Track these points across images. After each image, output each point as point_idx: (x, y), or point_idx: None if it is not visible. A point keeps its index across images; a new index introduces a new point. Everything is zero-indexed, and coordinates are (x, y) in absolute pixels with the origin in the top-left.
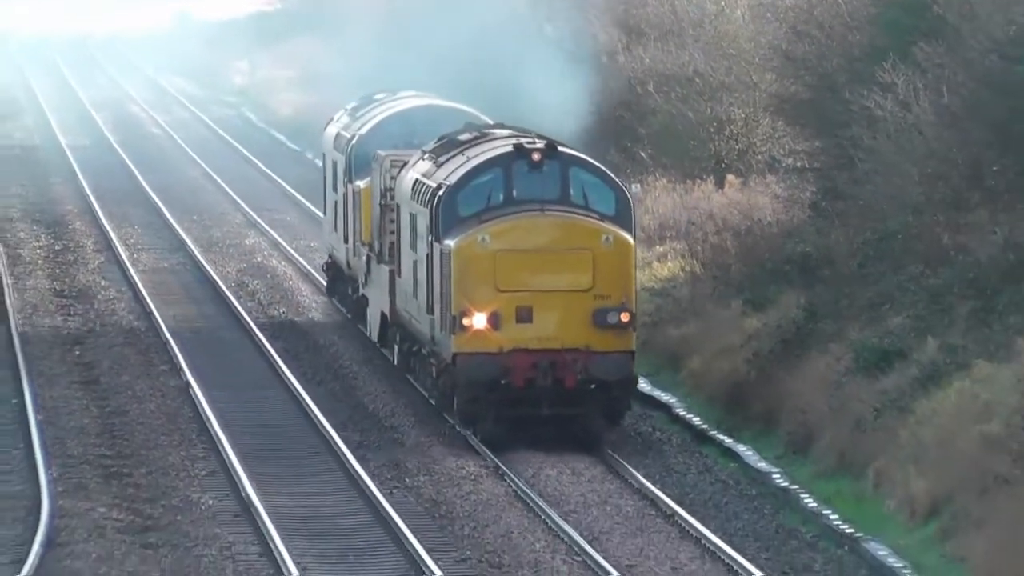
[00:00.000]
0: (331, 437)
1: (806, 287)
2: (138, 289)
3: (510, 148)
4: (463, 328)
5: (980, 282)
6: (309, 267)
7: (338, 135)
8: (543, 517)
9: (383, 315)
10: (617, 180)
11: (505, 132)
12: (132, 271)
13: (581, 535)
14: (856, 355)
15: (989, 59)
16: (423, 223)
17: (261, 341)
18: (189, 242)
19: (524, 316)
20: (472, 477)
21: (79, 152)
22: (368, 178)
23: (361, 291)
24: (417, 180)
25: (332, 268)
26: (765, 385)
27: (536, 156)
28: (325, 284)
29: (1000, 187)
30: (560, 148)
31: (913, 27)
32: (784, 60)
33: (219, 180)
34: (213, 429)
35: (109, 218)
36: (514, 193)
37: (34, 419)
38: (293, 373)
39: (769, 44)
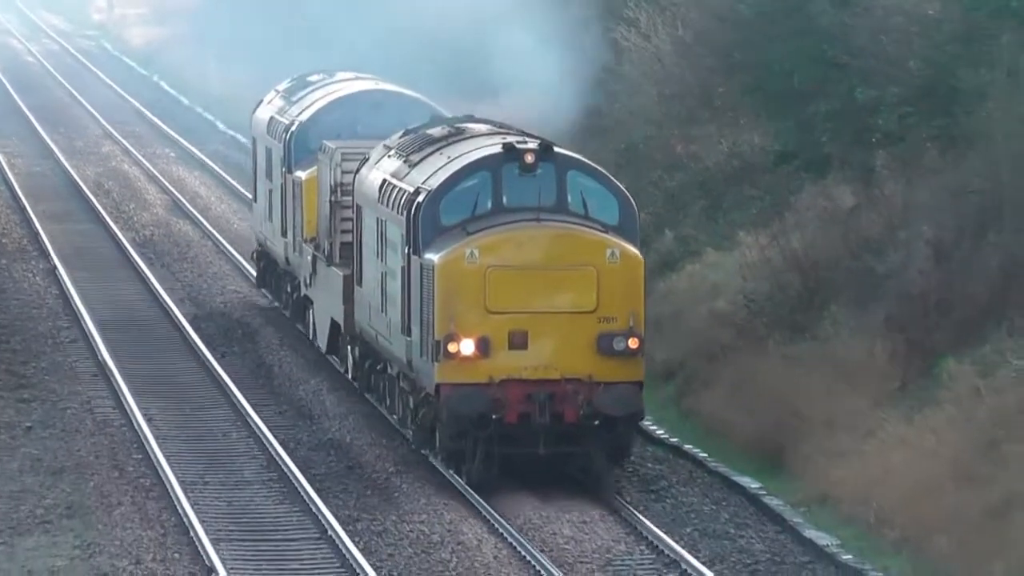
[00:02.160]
0: (169, 307)
1: None
2: (14, 188)
3: (498, 148)
4: (448, 355)
5: (708, 184)
6: (156, 171)
7: (272, 120)
8: None
9: (334, 323)
10: (620, 185)
11: (484, 127)
12: (9, 174)
13: None
14: None
15: None
16: (396, 231)
17: (115, 232)
18: (56, 151)
19: (518, 342)
20: (456, 529)
21: None
22: (311, 169)
23: (304, 291)
24: (386, 181)
25: (263, 258)
26: None
27: (529, 158)
28: (255, 274)
29: (725, 106)
30: (556, 149)
31: None
32: None
33: (81, 99)
34: (75, 304)
35: None
36: (504, 200)
37: None
38: (142, 259)
39: None
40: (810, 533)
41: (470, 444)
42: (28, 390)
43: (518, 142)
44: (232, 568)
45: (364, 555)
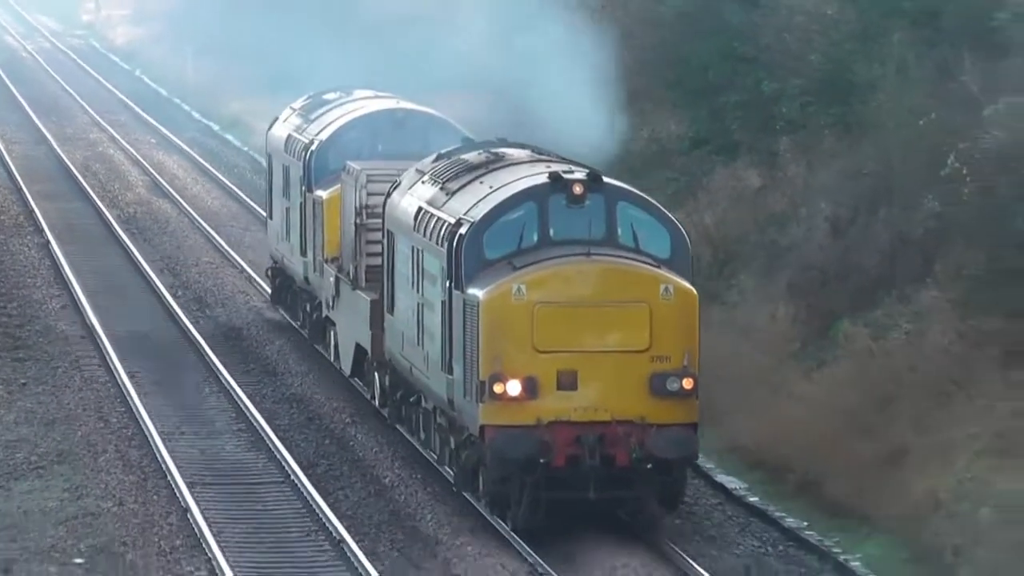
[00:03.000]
0: (150, 276)
1: None
2: (11, 170)
3: (544, 178)
4: (493, 396)
5: (632, 167)
6: (138, 155)
7: (290, 138)
8: None
9: (359, 347)
10: (672, 217)
11: (523, 153)
12: (7, 157)
13: None
14: None
15: None
16: (435, 263)
17: (102, 210)
18: (49, 136)
19: (567, 382)
20: (407, 475)
21: None
22: (332, 188)
23: (326, 312)
24: (422, 209)
25: (279, 275)
26: None
27: (577, 189)
28: (269, 292)
29: (645, 97)
30: (605, 179)
31: None
32: None
33: (72, 91)
34: (65, 273)
35: None
36: (551, 232)
37: None
38: (125, 233)
39: None
40: (721, 478)
41: (516, 488)
42: (23, 350)
43: (564, 171)
44: (205, 508)
45: (322, 495)
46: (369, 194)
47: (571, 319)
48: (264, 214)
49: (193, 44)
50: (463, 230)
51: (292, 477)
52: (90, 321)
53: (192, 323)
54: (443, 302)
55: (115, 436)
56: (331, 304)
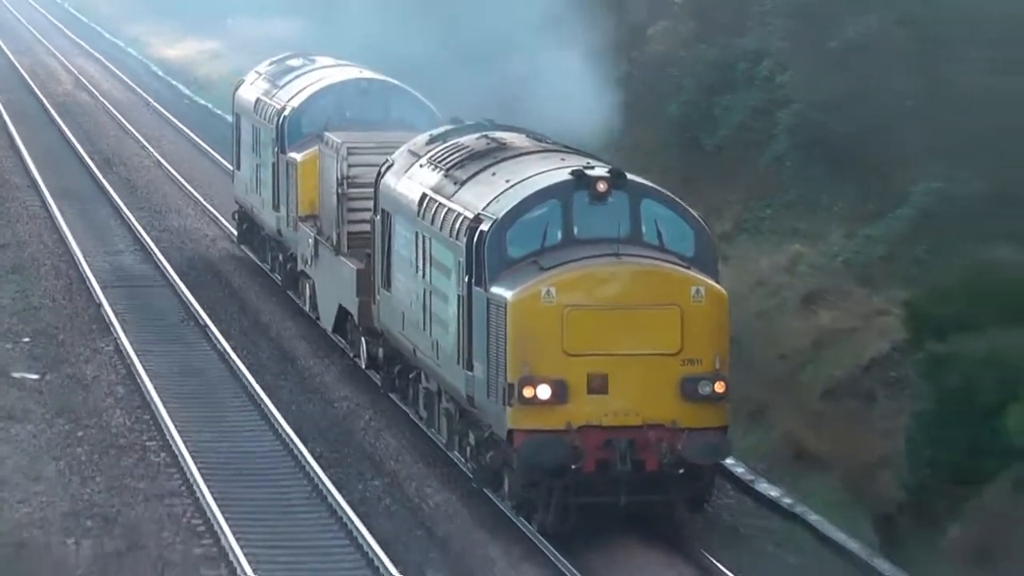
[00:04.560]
0: (75, 145)
1: None
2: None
3: (566, 175)
4: (523, 399)
5: None
6: (67, 63)
7: (259, 101)
8: None
9: (343, 309)
10: (695, 214)
11: (524, 140)
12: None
13: None
14: None
15: None
16: (447, 254)
17: (41, 98)
18: (8, 52)
19: (598, 386)
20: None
21: None
22: (306, 151)
23: (302, 267)
24: (427, 196)
25: (246, 220)
26: None
27: (601, 186)
28: (236, 234)
29: None
30: (629, 176)
31: None
32: None
33: (21, 19)
34: (16, 144)
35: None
36: (575, 231)
37: None
38: (58, 115)
39: None
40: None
41: (544, 492)
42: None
43: (586, 167)
44: (113, 303)
45: (193, 295)
46: (350, 166)
47: (601, 322)
48: (231, 166)
49: None
50: (484, 227)
51: (170, 280)
52: (33, 176)
53: (103, 176)
54: (460, 296)
55: (51, 255)
56: (309, 262)
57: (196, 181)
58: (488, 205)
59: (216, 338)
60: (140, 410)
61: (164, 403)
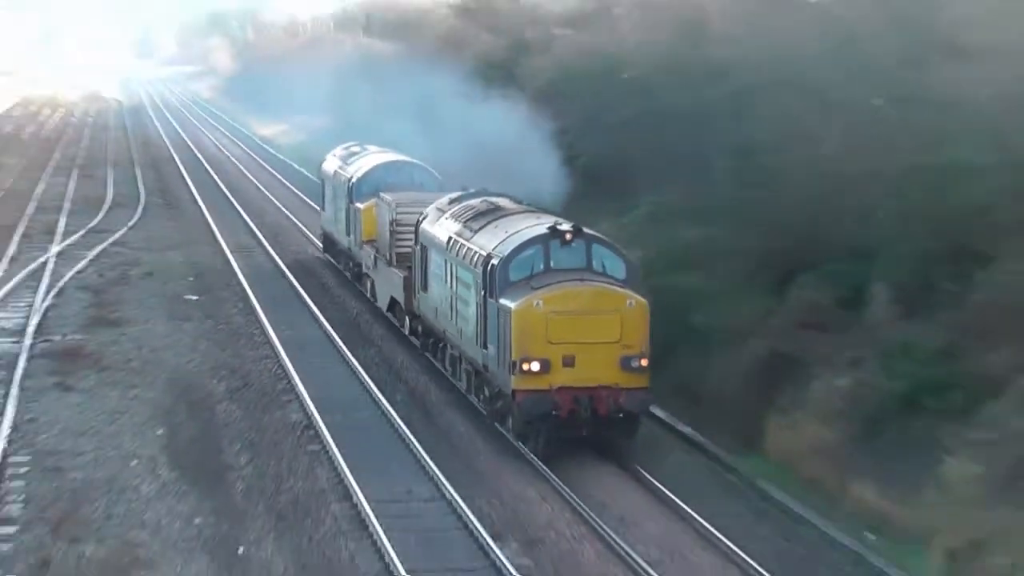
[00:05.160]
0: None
1: None
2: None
3: (545, 229)
4: (522, 371)
5: None
6: (227, 152)
7: (336, 172)
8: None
9: (393, 299)
10: (624, 252)
11: (512, 204)
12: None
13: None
14: None
15: None
16: (468, 276)
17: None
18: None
19: (568, 362)
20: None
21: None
22: (366, 203)
23: (366, 271)
24: (452, 239)
25: (328, 239)
26: None
27: (568, 236)
28: (322, 246)
29: None
30: (584, 229)
31: None
32: None
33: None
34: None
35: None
36: (552, 264)
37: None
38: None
39: None
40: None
41: (535, 430)
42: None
43: (558, 224)
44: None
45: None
46: (398, 214)
47: (571, 322)
48: (319, 208)
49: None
50: (495, 261)
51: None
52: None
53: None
54: (477, 303)
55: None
56: (370, 269)
57: (284, 201)
58: (496, 247)
59: (306, 301)
60: (252, 318)
61: (269, 322)
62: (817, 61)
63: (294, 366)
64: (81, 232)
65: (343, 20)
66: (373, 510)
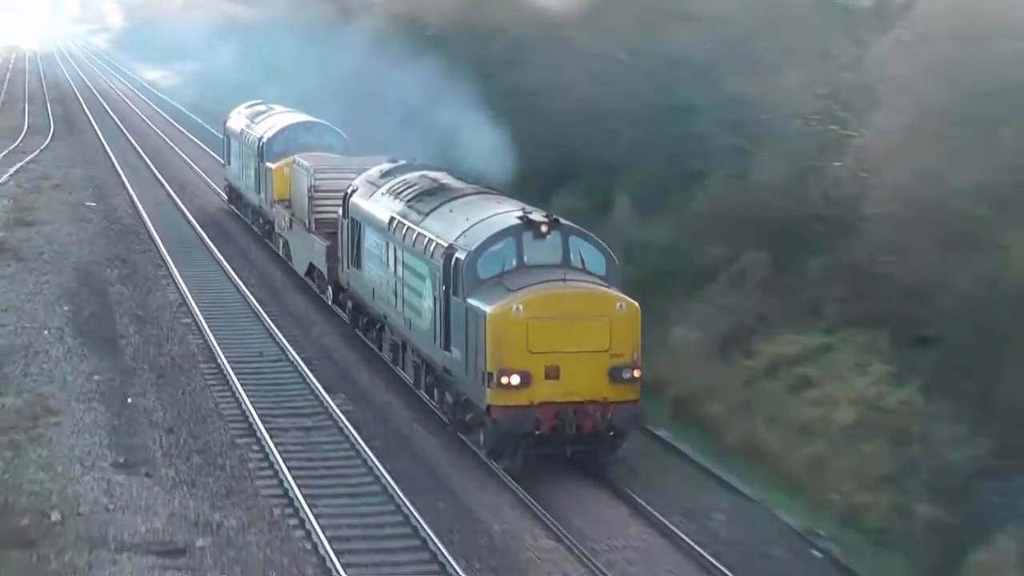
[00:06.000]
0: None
1: None
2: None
3: (517, 220)
4: (500, 385)
5: None
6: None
7: (243, 130)
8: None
9: (314, 266)
10: (605, 245)
11: (454, 181)
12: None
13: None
14: None
15: None
16: (421, 266)
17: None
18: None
19: (552, 374)
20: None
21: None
22: (277, 163)
23: (278, 231)
24: (396, 219)
25: (233, 192)
26: None
27: (543, 228)
28: (227, 198)
29: None
30: (561, 220)
31: None
32: None
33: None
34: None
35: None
36: (525, 259)
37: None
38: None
39: None
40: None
41: (511, 446)
42: None
43: (527, 212)
44: None
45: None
46: (317, 179)
47: (555, 329)
48: (222, 160)
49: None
50: (459, 255)
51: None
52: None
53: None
54: (436, 298)
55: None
56: (283, 229)
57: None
58: (458, 238)
59: (180, 207)
60: (140, 221)
61: (152, 224)
62: (574, 22)
63: (172, 259)
64: (3, 153)
65: None
66: (232, 368)
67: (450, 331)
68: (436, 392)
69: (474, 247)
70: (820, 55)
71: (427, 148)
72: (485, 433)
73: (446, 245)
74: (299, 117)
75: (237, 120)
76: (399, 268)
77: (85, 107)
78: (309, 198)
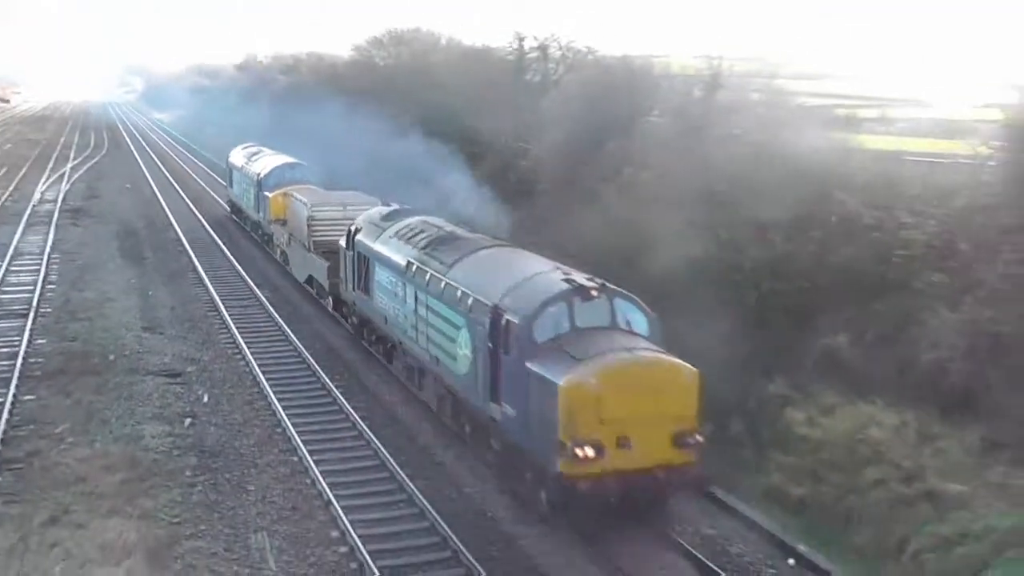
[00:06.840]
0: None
1: None
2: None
3: (564, 283)
4: (574, 456)
5: None
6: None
7: (243, 166)
8: None
9: (313, 278)
10: (645, 307)
11: (456, 228)
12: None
13: None
14: None
15: None
16: (455, 316)
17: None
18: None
19: (623, 443)
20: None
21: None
22: (274, 192)
23: (278, 243)
24: (417, 267)
25: (235, 207)
26: None
27: (594, 292)
28: (229, 209)
29: None
30: (607, 284)
31: None
32: None
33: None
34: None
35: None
36: (576, 322)
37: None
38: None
39: None
40: None
41: (577, 507)
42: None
43: (583, 282)
44: None
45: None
46: (313, 211)
47: (625, 398)
48: (224, 183)
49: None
50: (511, 318)
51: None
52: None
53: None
54: (477, 348)
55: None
56: (284, 244)
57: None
58: (505, 298)
59: (181, 193)
60: (155, 197)
61: (163, 199)
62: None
63: (173, 218)
64: (79, 159)
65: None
66: (205, 273)
67: (501, 385)
68: (467, 425)
69: (529, 311)
70: (514, 106)
71: (378, 183)
72: (548, 491)
73: (491, 304)
74: (284, 159)
75: (237, 157)
76: (420, 308)
77: (125, 134)
78: (308, 226)
